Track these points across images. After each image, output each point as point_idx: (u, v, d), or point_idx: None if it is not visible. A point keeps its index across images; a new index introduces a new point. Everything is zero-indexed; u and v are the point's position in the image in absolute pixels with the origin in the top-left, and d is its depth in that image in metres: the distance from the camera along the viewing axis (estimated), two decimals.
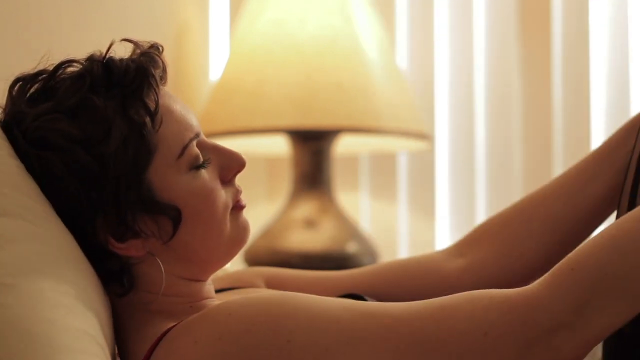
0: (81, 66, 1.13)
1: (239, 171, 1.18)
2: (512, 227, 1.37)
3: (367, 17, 2.38)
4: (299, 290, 1.26)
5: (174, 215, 1.11)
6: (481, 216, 2.60)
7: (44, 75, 1.13)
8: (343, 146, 2.55)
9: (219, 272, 1.55)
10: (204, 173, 1.14)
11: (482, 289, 1.24)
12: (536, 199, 1.37)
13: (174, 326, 1.08)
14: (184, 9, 2.48)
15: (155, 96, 1.11)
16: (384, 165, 2.71)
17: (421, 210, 2.67)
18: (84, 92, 1.09)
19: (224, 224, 1.15)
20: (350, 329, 1.02)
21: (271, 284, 1.35)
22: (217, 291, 1.26)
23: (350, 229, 2.37)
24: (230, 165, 1.17)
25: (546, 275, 1.03)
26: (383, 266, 1.40)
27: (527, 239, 1.35)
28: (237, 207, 1.17)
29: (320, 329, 1.02)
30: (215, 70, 2.61)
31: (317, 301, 1.05)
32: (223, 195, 1.15)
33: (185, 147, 1.12)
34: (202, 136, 1.17)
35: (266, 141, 2.57)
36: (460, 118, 2.63)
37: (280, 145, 2.56)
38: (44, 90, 1.12)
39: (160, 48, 1.16)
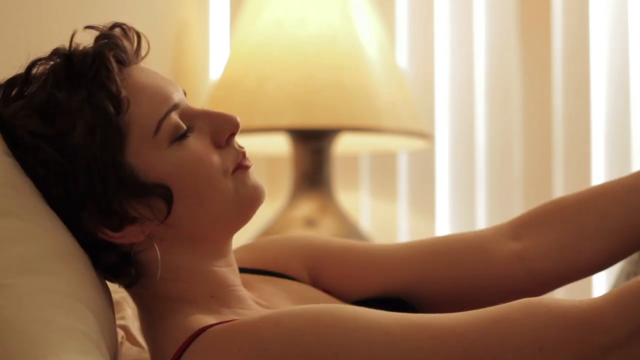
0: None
1: (233, 133, 1.14)
2: (579, 219, 1.23)
3: (368, 16, 2.38)
4: (347, 267, 1.25)
5: (164, 194, 1.08)
6: (481, 215, 2.60)
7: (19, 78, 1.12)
8: (343, 145, 2.55)
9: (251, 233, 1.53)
10: (191, 142, 1.10)
11: (533, 279, 1.22)
12: (610, 193, 1.23)
13: (211, 326, 1.05)
14: (184, 9, 2.48)
15: (115, 79, 1.08)
16: (384, 164, 2.71)
17: (421, 210, 2.67)
18: (48, 88, 1.08)
19: (225, 188, 1.11)
20: (401, 341, 0.99)
21: (313, 267, 1.29)
22: (248, 270, 1.21)
23: (350, 229, 2.37)
24: (221, 128, 1.13)
25: (612, 292, 0.99)
26: (429, 244, 1.30)
27: (594, 236, 1.23)
28: (241, 167, 1.13)
29: (370, 342, 0.99)
30: (216, 70, 2.61)
31: (365, 313, 1.01)
32: (217, 160, 1.11)
33: (162, 121, 1.09)
34: (187, 104, 1.13)
35: (266, 140, 2.57)
36: (461, 117, 2.63)
37: (280, 145, 2.56)
38: (19, 92, 1.11)
39: (126, 27, 1.14)
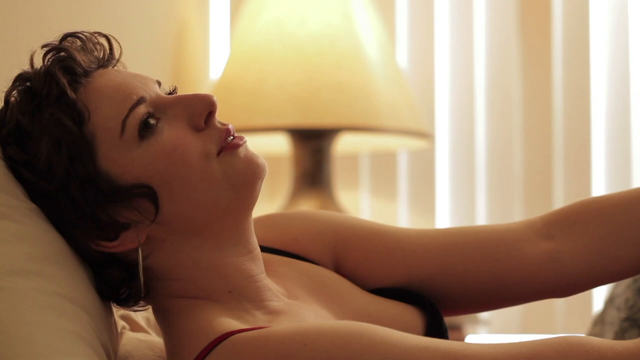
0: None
1: (211, 112, 1.07)
2: (615, 224, 1.18)
3: (368, 16, 2.39)
4: (373, 252, 1.21)
5: (146, 193, 1.04)
6: (481, 215, 2.60)
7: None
8: (343, 145, 2.55)
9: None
10: (165, 132, 1.05)
11: (562, 281, 1.19)
12: None
13: (236, 332, 1.02)
14: (184, 9, 2.48)
15: (67, 91, 1.05)
16: (384, 164, 2.72)
17: (421, 209, 2.67)
18: (15, 115, 1.07)
19: (209, 173, 1.05)
20: None
21: (337, 249, 1.24)
22: (265, 249, 1.17)
23: None
24: (196, 110, 1.06)
25: None
26: (459, 233, 1.24)
27: (628, 242, 1.18)
28: (228, 147, 1.07)
29: None
30: (216, 69, 2.62)
31: (396, 338, 0.99)
32: (195, 144, 1.05)
33: (125, 119, 1.04)
34: (158, 95, 1.08)
35: (266, 140, 2.57)
36: (461, 117, 2.64)
37: (280, 144, 2.56)
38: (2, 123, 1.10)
39: (83, 35, 1.10)
